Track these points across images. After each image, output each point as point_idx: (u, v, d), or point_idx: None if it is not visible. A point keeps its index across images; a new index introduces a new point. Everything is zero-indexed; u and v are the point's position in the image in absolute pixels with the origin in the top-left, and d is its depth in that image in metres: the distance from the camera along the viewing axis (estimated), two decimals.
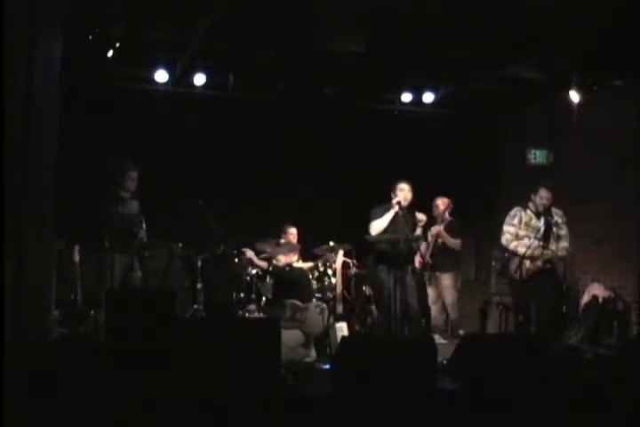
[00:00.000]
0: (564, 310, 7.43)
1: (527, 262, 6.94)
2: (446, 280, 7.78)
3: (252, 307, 7.46)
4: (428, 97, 8.85)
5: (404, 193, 7.12)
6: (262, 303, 7.67)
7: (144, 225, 6.93)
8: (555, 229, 7.05)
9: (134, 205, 7.06)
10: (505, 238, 7.19)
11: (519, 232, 7.12)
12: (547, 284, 7.04)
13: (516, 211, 7.20)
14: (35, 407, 3.70)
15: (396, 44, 7.46)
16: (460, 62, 7.95)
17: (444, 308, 7.87)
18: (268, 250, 7.80)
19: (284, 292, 7.49)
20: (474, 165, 9.62)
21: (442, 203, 8.00)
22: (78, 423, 3.79)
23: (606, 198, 8.16)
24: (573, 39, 7.07)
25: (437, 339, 6.80)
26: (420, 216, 7.18)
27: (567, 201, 7.37)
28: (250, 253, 7.73)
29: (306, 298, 7.41)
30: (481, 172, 9.69)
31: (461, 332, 7.56)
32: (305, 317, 7.09)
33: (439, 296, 7.84)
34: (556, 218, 7.09)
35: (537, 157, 8.80)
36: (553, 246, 7.02)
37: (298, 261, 8.06)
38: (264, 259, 7.86)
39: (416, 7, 6.59)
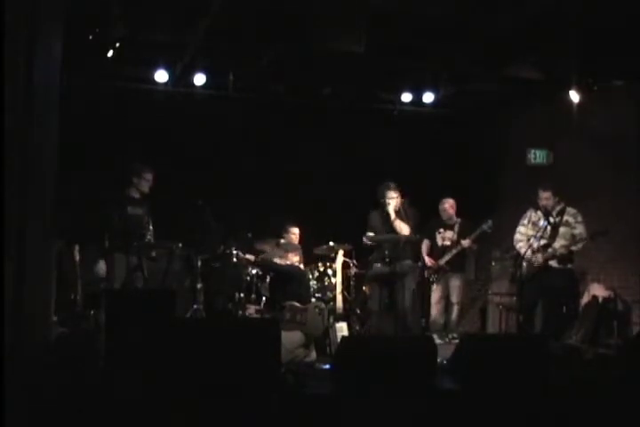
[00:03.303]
0: (564, 310, 7.43)
1: (530, 261, 6.99)
2: (456, 281, 7.82)
3: (252, 311, 7.45)
4: (428, 97, 8.84)
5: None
6: (262, 304, 7.67)
7: (151, 227, 6.95)
8: (563, 228, 7.09)
9: (144, 207, 7.09)
10: (515, 238, 7.33)
11: (528, 232, 7.21)
12: (553, 283, 7.06)
13: (528, 211, 7.30)
14: (34, 407, 3.70)
15: (396, 44, 7.46)
16: (460, 62, 7.95)
17: (446, 308, 7.87)
18: (268, 250, 7.79)
19: (282, 290, 7.45)
20: (474, 164, 9.62)
21: (449, 206, 8.00)
22: (78, 423, 3.79)
23: (606, 198, 8.16)
24: (573, 39, 7.07)
25: (435, 339, 6.81)
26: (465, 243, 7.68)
27: (567, 201, 7.37)
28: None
29: (304, 298, 7.38)
30: (481, 172, 9.69)
31: (455, 335, 7.56)
32: (305, 318, 7.06)
33: (444, 296, 7.84)
34: (566, 217, 7.12)
35: (537, 157, 8.80)
36: (556, 245, 7.04)
37: (300, 262, 8.04)
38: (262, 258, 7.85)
39: (416, 7, 6.59)
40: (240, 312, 7.35)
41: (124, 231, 6.70)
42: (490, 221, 7.62)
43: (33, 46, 3.88)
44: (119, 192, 7.08)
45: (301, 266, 7.95)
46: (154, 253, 6.91)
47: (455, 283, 7.80)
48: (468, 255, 7.99)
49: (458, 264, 7.82)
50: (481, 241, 7.92)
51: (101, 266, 6.71)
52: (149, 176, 7.05)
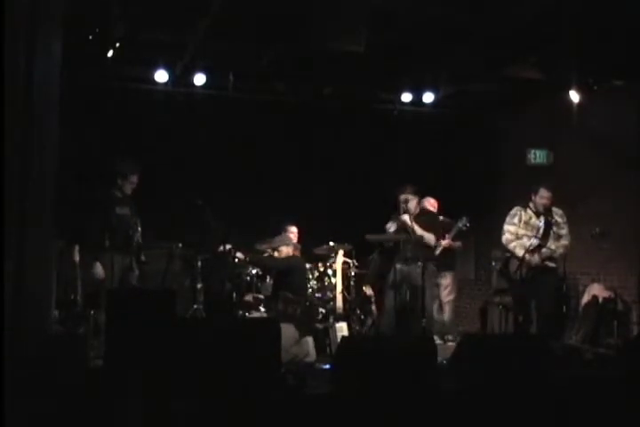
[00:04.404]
0: (564, 310, 7.42)
1: (526, 260, 6.97)
2: (444, 279, 7.77)
3: (250, 297, 7.42)
4: (428, 97, 8.84)
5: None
6: (262, 304, 7.66)
7: (139, 227, 6.91)
8: (554, 228, 7.08)
9: (131, 207, 7.06)
10: (505, 238, 7.21)
11: (519, 231, 7.14)
12: (546, 283, 7.06)
13: (516, 210, 7.23)
14: (35, 407, 3.70)
15: (396, 44, 7.46)
16: (460, 62, 7.95)
17: (440, 307, 7.85)
18: (269, 249, 7.78)
19: (279, 282, 7.41)
20: (474, 165, 9.62)
21: (429, 205, 7.96)
22: (78, 423, 3.79)
23: (606, 198, 8.16)
24: (573, 39, 7.07)
25: (435, 339, 6.78)
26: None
27: (567, 201, 7.37)
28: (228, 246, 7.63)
29: (299, 290, 7.31)
30: (481, 172, 9.69)
31: (454, 334, 7.53)
32: (296, 310, 7.00)
33: (435, 295, 7.82)
34: (556, 217, 7.12)
35: (537, 157, 8.80)
36: (552, 245, 7.04)
37: None
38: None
39: (416, 7, 6.59)
40: (240, 312, 7.35)
41: (118, 231, 6.69)
42: (465, 218, 7.52)
43: (33, 46, 3.88)
44: (107, 192, 7.01)
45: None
46: (143, 257, 6.83)
47: (443, 282, 7.76)
48: (454, 253, 7.88)
49: (445, 263, 7.73)
50: (463, 238, 7.84)
51: (98, 269, 6.66)
52: (134, 179, 6.92)
